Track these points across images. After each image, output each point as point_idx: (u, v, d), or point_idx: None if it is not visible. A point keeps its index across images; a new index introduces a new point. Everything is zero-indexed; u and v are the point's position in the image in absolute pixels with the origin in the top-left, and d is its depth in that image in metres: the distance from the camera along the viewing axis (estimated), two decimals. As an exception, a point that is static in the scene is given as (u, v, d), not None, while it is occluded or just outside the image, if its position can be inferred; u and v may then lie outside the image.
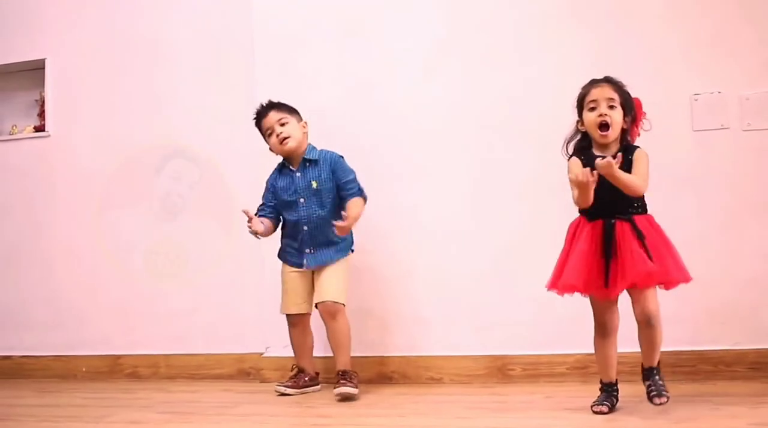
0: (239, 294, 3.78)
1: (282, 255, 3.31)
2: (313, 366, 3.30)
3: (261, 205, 3.29)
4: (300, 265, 3.22)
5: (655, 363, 2.57)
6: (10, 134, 4.31)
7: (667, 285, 2.50)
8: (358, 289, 3.37)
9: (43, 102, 4.24)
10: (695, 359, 3.12)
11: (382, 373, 3.42)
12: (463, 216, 3.43)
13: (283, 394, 3.16)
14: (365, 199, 3.20)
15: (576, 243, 2.54)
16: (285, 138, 3.17)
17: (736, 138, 3.19)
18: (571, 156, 2.66)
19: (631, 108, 2.59)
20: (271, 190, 3.29)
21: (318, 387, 3.28)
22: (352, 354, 3.16)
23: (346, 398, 2.99)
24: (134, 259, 3.97)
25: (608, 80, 2.59)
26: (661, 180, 3.11)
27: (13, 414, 3.01)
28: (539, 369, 3.28)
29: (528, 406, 2.80)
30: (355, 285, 3.31)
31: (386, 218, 3.48)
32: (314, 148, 3.26)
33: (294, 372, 3.27)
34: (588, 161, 2.56)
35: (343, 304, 3.15)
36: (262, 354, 3.62)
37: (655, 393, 2.52)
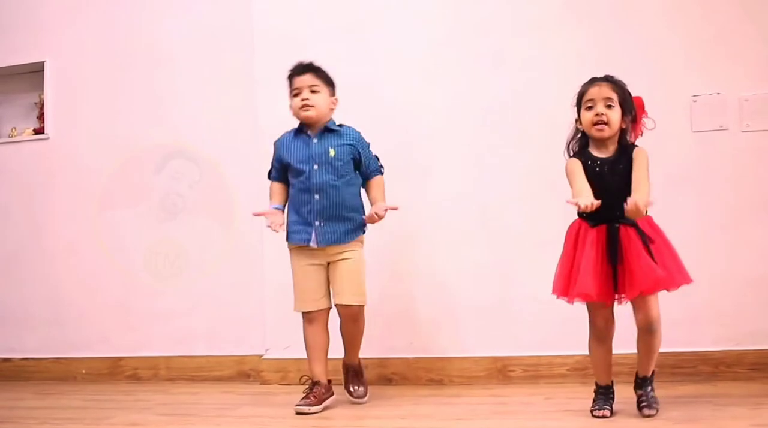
0: (239, 297, 3.78)
1: (289, 234, 3.00)
2: (326, 373, 2.99)
3: (272, 166, 3.07)
4: (307, 240, 2.94)
5: (650, 373, 2.55)
6: (9, 137, 4.31)
7: (670, 287, 2.48)
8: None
9: (43, 104, 4.24)
10: (696, 360, 3.13)
11: (382, 375, 3.42)
12: (463, 217, 3.43)
13: (303, 414, 2.83)
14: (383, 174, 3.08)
15: (582, 249, 2.51)
16: (308, 106, 2.94)
17: (736, 139, 3.19)
18: (571, 156, 2.65)
19: (630, 108, 2.57)
20: (278, 154, 3.04)
21: (334, 397, 3.00)
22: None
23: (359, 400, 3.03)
24: (134, 261, 3.97)
25: (608, 79, 2.58)
26: (660, 181, 3.11)
27: (13, 417, 3.01)
28: (539, 371, 3.28)
29: (528, 407, 2.80)
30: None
31: (386, 218, 3.47)
32: (339, 125, 3.04)
33: (308, 385, 2.97)
34: (587, 162, 2.56)
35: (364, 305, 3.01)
36: (262, 356, 3.62)
37: (645, 404, 2.50)
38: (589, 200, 2.41)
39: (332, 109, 3.02)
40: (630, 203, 2.38)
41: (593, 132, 2.55)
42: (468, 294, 3.38)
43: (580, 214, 2.55)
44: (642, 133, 2.64)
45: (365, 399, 3.04)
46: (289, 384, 3.49)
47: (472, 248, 3.40)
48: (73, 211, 4.10)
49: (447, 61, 3.51)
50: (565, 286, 2.52)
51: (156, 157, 3.97)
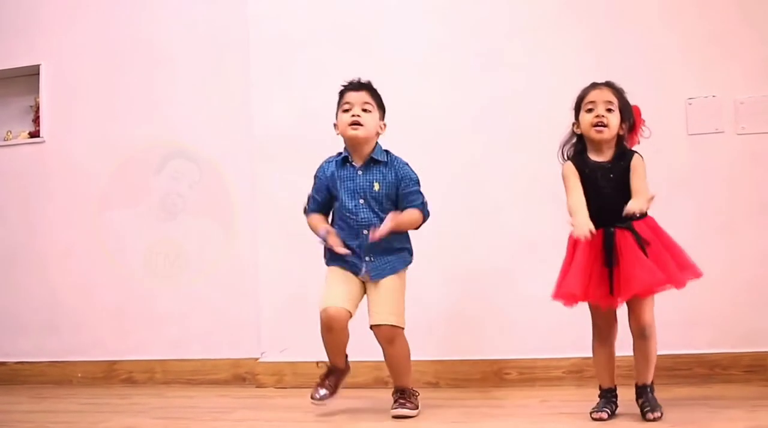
0: (235, 300, 3.77)
1: (334, 260, 2.85)
2: (346, 362, 2.92)
3: (311, 198, 2.91)
4: (357, 272, 2.81)
5: (649, 381, 2.54)
6: (4, 140, 4.30)
7: (677, 285, 2.47)
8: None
9: (38, 108, 4.23)
10: (691, 362, 3.13)
11: (378, 378, 3.40)
12: (459, 220, 3.43)
13: (321, 403, 2.82)
14: (425, 217, 2.85)
15: (576, 253, 2.51)
16: (358, 123, 2.79)
17: (731, 142, 3.20)
18: (567, 160, 2.66)
19: (629, 114, 2.58)
20: (325, 182, 2.87)
21: (349, 370, 2.93)
22: (351, 359, 3.10)
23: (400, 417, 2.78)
24: (130, 265, 3.96)
25: (608, 84, 2.59)
26: (655, 183, 3.11)
27: (8, 421, 3.00)
28: (535, 373, 3.28)
29: (524, 410, 2.80)
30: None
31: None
32: (385, 151, 2.89)
33: (322, 373, 2.90)
34: (583, 166, 2.56)
35: (403, 328, 2.80)
36: (257, 359, 3.61)
37: (649, 408, 2.48)
38: (584, 231, 2.40)
39: (379, 134, 2.88)
40: (627, 211, 2.40)
41: (592, 133, 2.55)
42: (463, 296, 3.38)
43: None
44: (638, 141, 2.64)
45: (414, 414, 2.77)
46: (284, 387, 3.48)
47: (467, 251, 3.40)
48: (69, 214, 4.09)
49: (443, 64, 3.51)
50: (558, 288, 2.53)
51: (152, 158, 3.96)
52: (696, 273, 2.50)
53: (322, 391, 2.85)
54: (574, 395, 2.89)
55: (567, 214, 2.55)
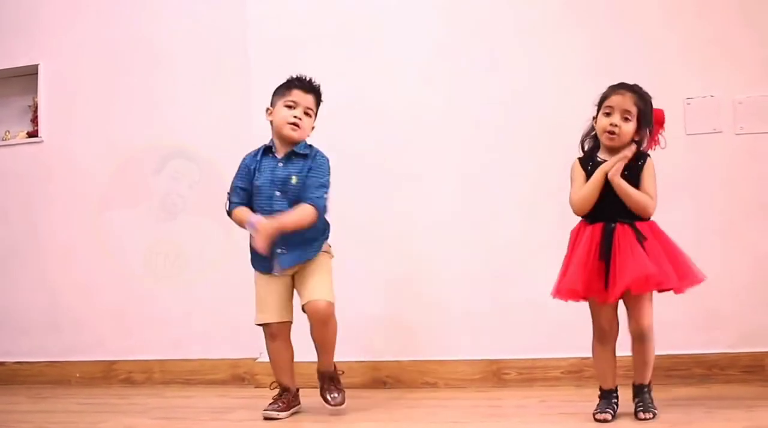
0: (233, 300, 3.76)
1: (252, 261, 2.95)
2: (295, 382, 2.97)
3: (235, 188, 2.92)
4: (269, 270, 2.89)
5: (647, 381, 2.54)
6: (3, 140, 4.30)
7: (675, 288, 2.48)
8: (353, 294, 3.36)
9: (36, 107, 4.23)
10: (690, 362, 3.13)
11: (376, 378, 3.42)
12: (458, 221, 3.43)
13: (271, 419, 2.82)
14: (320, 213, 2.83)
15: (578, 246, 2.52)
16: (297, 126, 2.85)
17: (729, 142, 3.20)
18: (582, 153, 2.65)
19: (648, 122, 2.56)
20: (244, 171, 2.91)
21: (300, 405, 2.98)
22: (348, 359, 3.13)
23: (337, 408, 2.89)
24: (129, 265, 3.96)
25: (633, 90, 2.55)
26: (653, 183, 3.12)
27: (7, 421, 3.00)
28: (534, 374, 3.28)
29: (523, 410, 2.81)
30: (349, 290, 3.29)
31: (381, 222, 3.49)
32: (309, 145, 2.93)
33: (278, 391, 2.95)
34: (590, 166, 2.57)
35: (334, 303, 2.85)
36: (256, 359, 3.61)
37: (642, 408, 2.48)
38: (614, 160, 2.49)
39: (309, 135, 2.96)
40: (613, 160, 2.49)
41: (603, 139, 2.56)
42: (462, 297, 3.38)
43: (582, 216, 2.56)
44: (654, 148, 2.62)
45: (344, 406, 2.89)
46: (283, 387, 3.48)
47: (467, 251, 3.40)
48: (68, 213, 4.09)
49: (442, 66, 3.51)
50: (558, 285, 2.53)
51: (153, 158, 3.96)
52: (696, 280, 2.49)
53: (274, 408, 2.85)
54: (573, 395, 2.89)
55: (569, 206, 2.57)
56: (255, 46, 3.72)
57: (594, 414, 2.52)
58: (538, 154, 3.33)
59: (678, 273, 2.47)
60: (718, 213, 3.19)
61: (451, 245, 3.43)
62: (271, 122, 2.92)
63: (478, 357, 3.34)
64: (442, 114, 3.49)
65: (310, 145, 2.94)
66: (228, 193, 2.93)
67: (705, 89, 3.22)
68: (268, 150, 2.93)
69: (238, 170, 2.94)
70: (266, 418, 2.82)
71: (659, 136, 2.63)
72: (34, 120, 4.26)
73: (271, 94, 2.95)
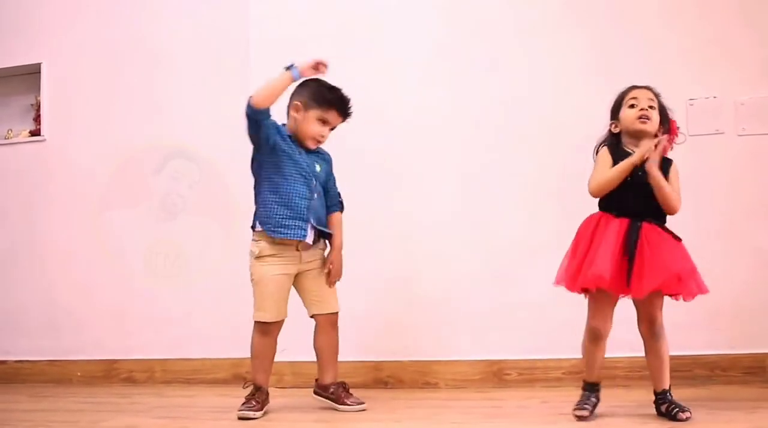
0: (234, 299, 3.75)
1: (275, 229, 2.91)
2: (268, 382, 3.01)
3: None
4: (303, 236, 2.89)
5: (667, 385, 2.54)
6: (5, 138, 4.31)
7: (686, 296, 2.49)
8: (354, 294, 3.36)
9: (39, 106, 4.23)
10: (691, 363, 3.13)
11: (377, 378, 3.42)
12: (458, 221, 3.43)
13: (247, 419, 2.81)
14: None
15: (600, 239, 2.49)
16: (320, 141, 2.99)
17: (731, 143, 3.20)
18: (602, 146, 2.63)
19: (666, 118, 2.59)
20: (279, 133, 2.94)
21: (269, 404, 2.97)
22: (347, 359, 3.14)
23: (362, 406, 2.92)
24: (130, 264, 3.96)
25: (649, 87, 2.61)
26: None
27: (8, 419, 3.00)
28: (535, 374, 3.28)
29: (524, 411, 2.80)
30: (351, 290, 3.30)
31: (382, 222, 3.49)
32: None
33: (251, 390, 2.95)
34: (618, 156, 2.55)
35: None
36: (257, 358, 3.61)
37: (678, 409, 2.46)
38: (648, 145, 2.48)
39: None
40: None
41: (637, 124, 2.55)
42: (463, 297, 3.38)
43: (606, 209, 2.55)
44: (667, 151, 2.60)
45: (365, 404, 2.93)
46: (284, 387, 3.48)
47: (467, 251, 3.40)
48: (70, 212, 4.09)
49: (443, 67, 3.51)
50: (574, 275, 2.49)
51: (153, 158, 3.96)
52: (704, 290, 2.51)
53: (249, 407, 2.86)
54: (574, 396, 2.87)
55: (588, 192, 2.55)
56: (256, 46, 3.72)
57: (574, 410, 2.52)
58: (538, 154, 3.33)
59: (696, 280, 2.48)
60: (720, 214, 3.19)
61: (451, 245, 3.43)
62: (295, 119, 2.95)
63: (479, 357, 3.35)
64: (442, 114, 3.50)
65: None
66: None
67: (707, 90, 3.22)
68: (291, 140, 2.97)
69: (274, 125, 2.94)
70: (241, 418, 2.82)
71: (674, 141, 2.63)
72: (37, 119, 4.26)
73: (305, 85, 2.96)
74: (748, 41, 3.21)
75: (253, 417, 2.82)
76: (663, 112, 2.60)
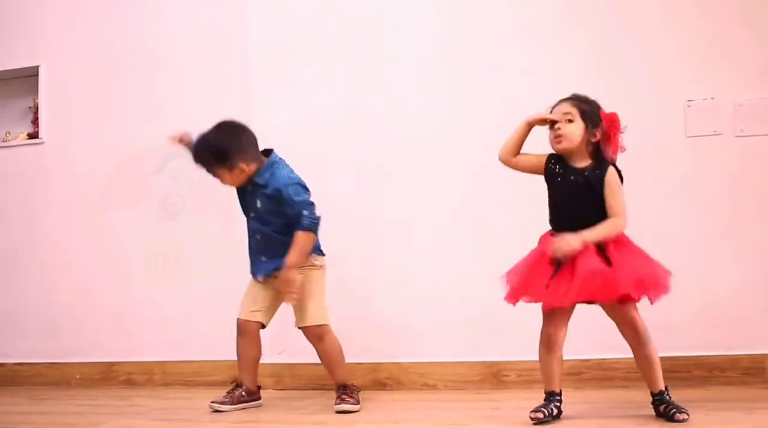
0: (234, 301, 3.74)
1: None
2: (255, 381, 3.14)
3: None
4: (254, 273, 3.12)
5: (663, 386, 2.54)
6: (3, 141, 4.30)
7: (651, 298, 2.46)
8: (352, 295, 3.37)
9: (37, 109, 4.23)
10: (689, 365, 3.12)
11: (376, 380, 3.42)
12: (457, 222, 3.43)
13: (216, 411, 3.00)
14: (314, 231, 2.98)
15: (532, 252, 2.59)
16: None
17: (730, 144, 3.19)
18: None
19: (596, 120, 2.54)
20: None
21: (259, 402, 3.14)
22: (348, 360, 3.13)
23: (343, 412, 2.93)
24: (129, 266, 3.96)
25: (569, 98, 2.59)
26: (654, 186, 3.13)
27: (7, 422, 3.01)
28: (534, 376, 3.25)
29: (523, 412, 2.78)
30: (348, 292, 3.31)
31: (380, 224, 3.49)
32: (265, 170, 3.06)
33: (232, 386, 3.13)
34: (558, 164, 2.58)
35: (327, 324, 3.04)
36: (256, 360, 3.61)
37: (675, 410, 2.47)
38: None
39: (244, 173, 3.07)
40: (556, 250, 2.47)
41: (553, 146, 2.57)
42: (462, 298, 3.38)
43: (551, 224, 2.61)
44: (622, 149, 2.58)
45: (342, 407, 2.94)
46: (284, 389, 3.49)
47: (465, 253, 3.40)
48: (68, 215, 4.09)
49: (442, 67, 3.51)
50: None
51: (151, 158, 3.95)
52: (664, 290, 2.47)
53: (220, 400, 3.05)
54: (572, 397, 2.88)
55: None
56: (255, 46, 3.72)
57: (529, 413, 2.53)
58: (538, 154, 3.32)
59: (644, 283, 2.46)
60: (719, 215, 3.19)
61: (450, 246, 3.43)
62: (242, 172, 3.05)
63: (478, 358, 3.35)
64: (442, 114, 3.49)
65: (265, 171, 3.08)
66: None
67: (705, 91, 3.22)
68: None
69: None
70: (212, 410, 3.00)
71: (620, 137, 2.58)
72: (35, 121, 4.26)
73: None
74: (747, 42, 3.21)
75: (219, 409, 3.00)
76: (591, 114, 2.54)
